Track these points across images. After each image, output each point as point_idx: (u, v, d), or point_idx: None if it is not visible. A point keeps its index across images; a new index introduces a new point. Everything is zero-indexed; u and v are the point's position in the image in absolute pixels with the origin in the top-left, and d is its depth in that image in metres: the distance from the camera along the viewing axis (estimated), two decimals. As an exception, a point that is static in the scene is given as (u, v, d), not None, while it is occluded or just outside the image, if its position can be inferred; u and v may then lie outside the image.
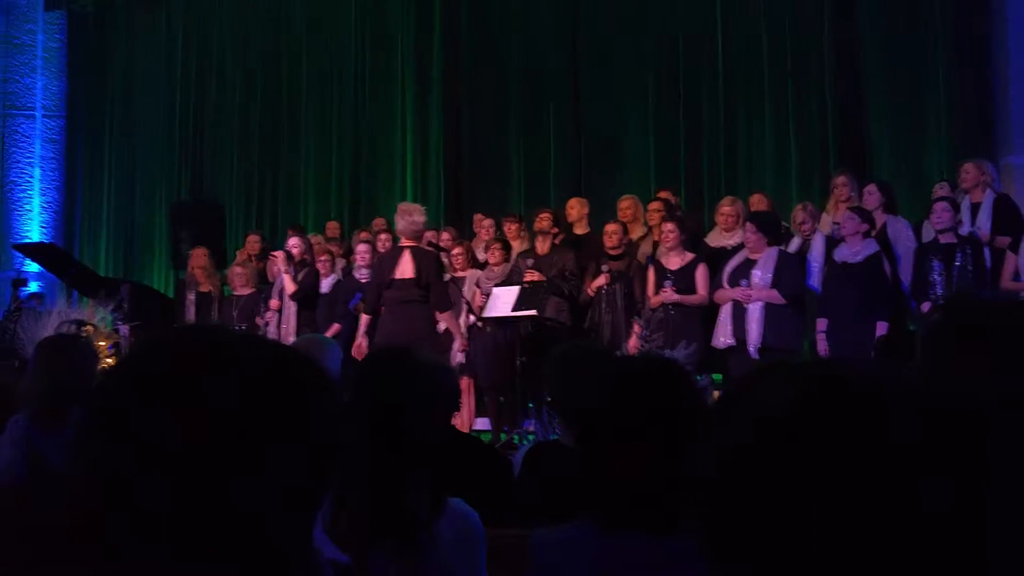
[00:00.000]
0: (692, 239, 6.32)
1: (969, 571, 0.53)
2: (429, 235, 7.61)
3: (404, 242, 6.11)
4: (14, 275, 8.87)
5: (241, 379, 0.73)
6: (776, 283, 5.57)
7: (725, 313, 5.68)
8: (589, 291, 6.27)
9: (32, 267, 9.86)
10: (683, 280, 5.86)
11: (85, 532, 0.71)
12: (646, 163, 9.11)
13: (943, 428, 0.56)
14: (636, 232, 6.91)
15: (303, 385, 0.76)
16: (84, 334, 5.46)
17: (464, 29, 9.93)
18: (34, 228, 12.28)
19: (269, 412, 0.72)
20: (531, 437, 5.43)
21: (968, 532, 0.54)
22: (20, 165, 12.34)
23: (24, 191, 12.35)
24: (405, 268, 5.95)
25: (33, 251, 9.23)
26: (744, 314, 5.57)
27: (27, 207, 12.35)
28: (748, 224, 5.82)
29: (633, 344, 5.85)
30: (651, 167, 9.07)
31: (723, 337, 5.65)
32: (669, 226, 6.04)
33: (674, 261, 6.00)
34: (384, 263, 6.15)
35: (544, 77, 9.55)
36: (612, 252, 6.39)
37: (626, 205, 7.03)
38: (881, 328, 5.38)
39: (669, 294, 5.80)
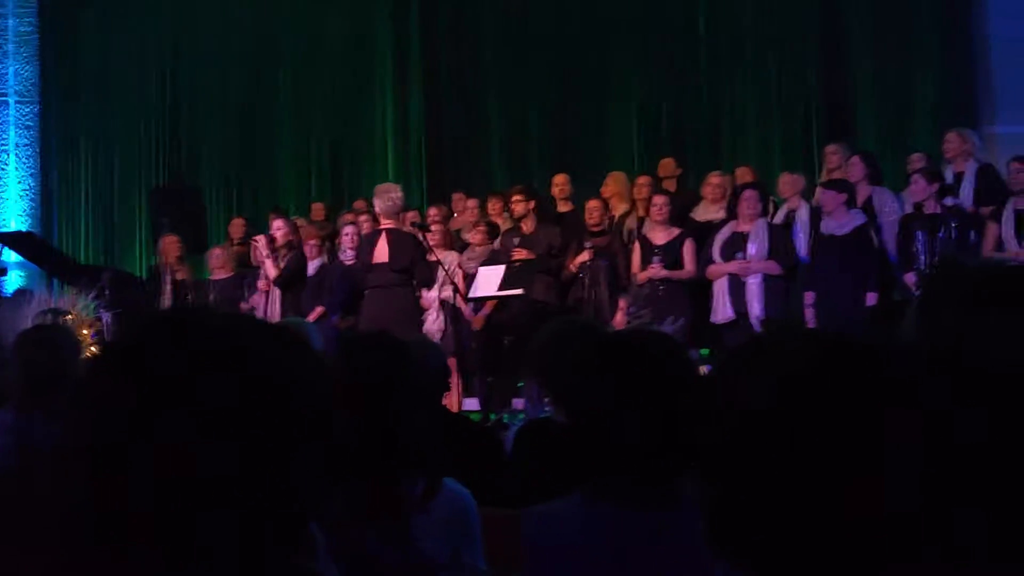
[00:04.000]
0: (679, 214, 6.31)
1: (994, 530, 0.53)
2: (412, 215, 7.57)
3: (383, 223, 6.11)
4: (-7, 265, 8.75)
5: (231, 356, 0.73)
6: (771, 254, 5.58)
7: (721, 287, 5.67)
8: (572, 267, 6.25)
9: (11, 256, 9.72)
10: (670, 255, 5.86)
11: (74, 513, 0.71)
12: (630, 137, 9.08)
13: (961, 388, 0.55)
14: (620, 208, 6.90)
15: (293, 360, 0.76)
16: (63, 322, 5.40)
17: (442, 4, 9.82)
18: (11, 216, 12.11)
19: (261, 387, 0.72)
20: (521, 416, 5.44)
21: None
22: (-6, 153, 12.17)
23: (-1, 179, 12.18)
24: (381, 252, 5.96)
25: (11, 240, 9.11)
26: (742, 288, 5.57)
27: (3, 195, 12.18)
28: (748, 192, 5.80)
29: (620, 320, 5.85)
30: (635, 141, 9.05)
31: (722, 312, 5.63)
32: (660, 199, 6.02)
33: (660, 236, 5.99)
34: (363, 246, 6.17)
35: (525, 53, 9.47)
36: (594, 228, 6.38)
37: (609, 181, 7.01)
38: (871, 299, 5.40)
39: (657, 270, 5.79)
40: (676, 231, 6.02)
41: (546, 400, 5.27)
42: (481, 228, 6.81)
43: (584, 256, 6.15)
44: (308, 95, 10.43)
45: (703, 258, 5.85)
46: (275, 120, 10.58)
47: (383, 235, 5.96)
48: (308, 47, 10.48)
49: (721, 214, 6.24)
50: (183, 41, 11.25)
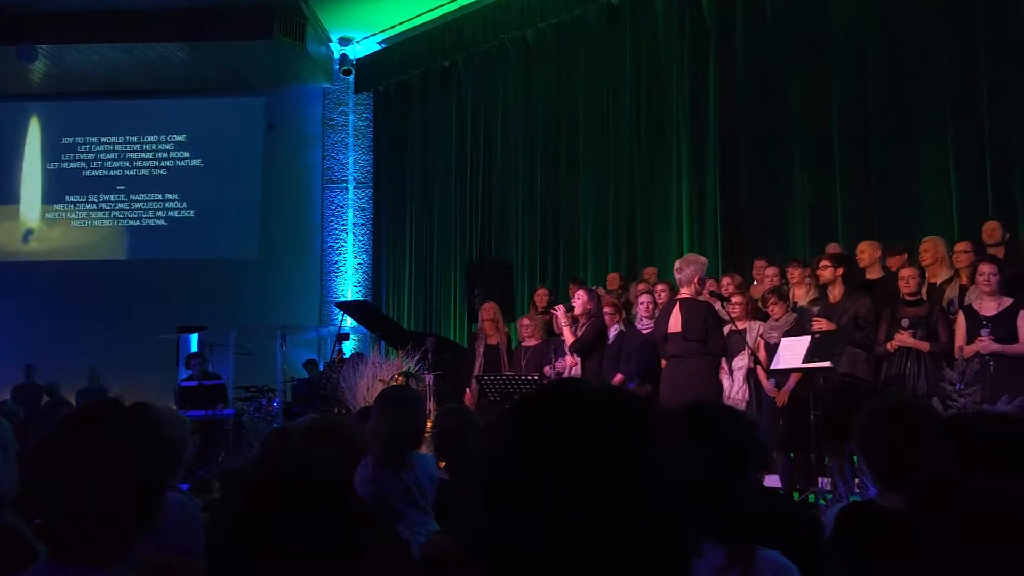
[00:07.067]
0: (1010, 282, 5.73)
1: None
2: (711, 283, 7.54)
3: (681, 293, 6.16)
4: (336, 331, 9.99)
5: (614, 429, 0.80)
6: None
7: (1069, 363, 5.05)
8: (889, 347, 5.86)
9: (348, 323, 11.06)
10: (1002, 327, 5.33)
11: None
12: (947, 199, 8.33)
13: None
14: (939, 276, 6.40)
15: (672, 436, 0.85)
16: (410, 384, 6.04)
17: (740, 70, 9.73)
18: (347, 287, 13.82)
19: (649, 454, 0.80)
20: (829, 496, 5.17)
21: None
22: (336, 232, 14.03)
23: (339, 255, 13.99)
24: (675, 321, 5.99)
25: (351, 308, 10.35)
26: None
27: (342, 269, 13.96)
28: None
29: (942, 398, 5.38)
30: (953, 203, 8.27)
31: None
32: (988, 268, 5.52)
33: (989, 306, 5.48)
34: (661, 316, 6.25)
35: (826, 116, 9.09)
36: (909, 298, 5.96)
37: (927, 247, 6.53)
38: None
39: (987, 343, 5.29)
40: (1008, 301, 5.48)
41: (856, 480, 4.98)
42: (773, 299, 6.62)
43: (903, 339, 5.74)
44: (606, 167, 10.79)
45: (1043, 330, 5.25)
46: (575, 197, 11.06)
47: (677, 305, 6.03)
48: (605, 124, 10.90)
49: (1063, 282, 5.59)
50: (493, 129, 12.28)
